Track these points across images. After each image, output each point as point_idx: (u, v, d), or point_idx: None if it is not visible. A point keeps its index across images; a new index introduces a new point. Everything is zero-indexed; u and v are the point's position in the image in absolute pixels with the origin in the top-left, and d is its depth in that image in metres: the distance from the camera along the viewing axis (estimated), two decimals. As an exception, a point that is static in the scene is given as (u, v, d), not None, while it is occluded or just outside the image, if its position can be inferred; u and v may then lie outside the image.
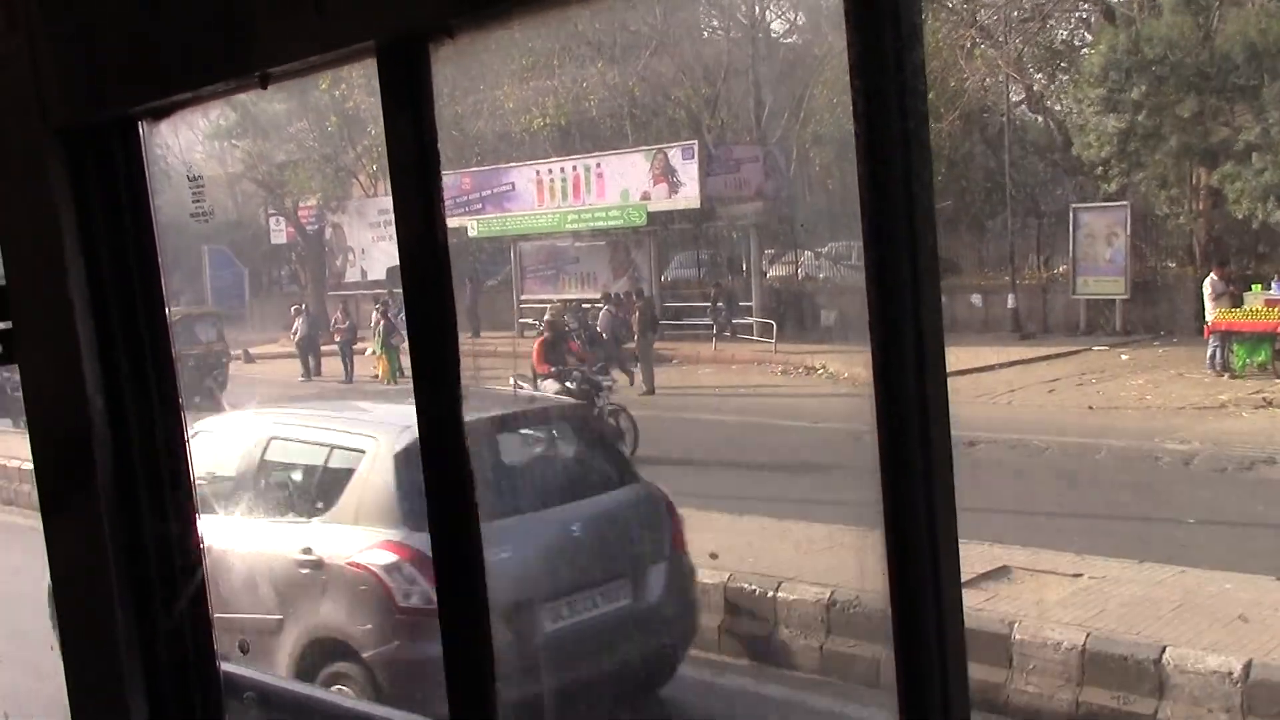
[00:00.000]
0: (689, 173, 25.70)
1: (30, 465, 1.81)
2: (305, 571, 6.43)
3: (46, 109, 1.57)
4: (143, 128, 1.58)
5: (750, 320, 25.67)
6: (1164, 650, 6.41)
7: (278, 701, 1.66)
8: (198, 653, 1.70)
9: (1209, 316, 19.09)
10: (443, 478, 1.29)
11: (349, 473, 6.68)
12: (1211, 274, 19.99)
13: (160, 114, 1.55)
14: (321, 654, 6.34)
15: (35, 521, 1.84)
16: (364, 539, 6.31)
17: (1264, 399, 15.85)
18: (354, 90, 28.27)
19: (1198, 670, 6.27)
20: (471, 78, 25.43)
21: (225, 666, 1.72)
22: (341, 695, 5.71)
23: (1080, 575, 7.85)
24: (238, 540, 6.48)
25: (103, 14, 1.50)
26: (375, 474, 6.53)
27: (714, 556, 8.04)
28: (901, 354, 0.87)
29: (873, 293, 0.86)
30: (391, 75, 1.20)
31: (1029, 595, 7.55)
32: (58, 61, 1.55)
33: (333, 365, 25.10)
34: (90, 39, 1.52)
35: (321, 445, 7.03)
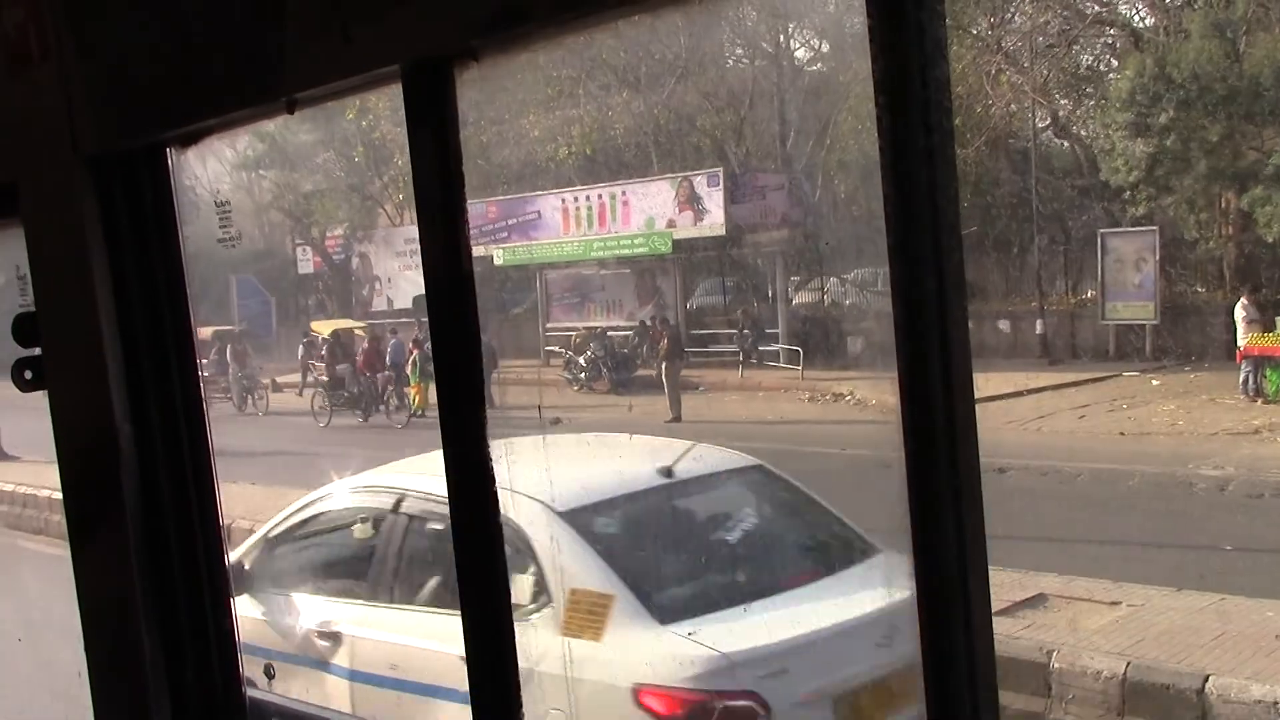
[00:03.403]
0: (714, 200, 25.76)
1: (59, 494, 1.82)
2: None
3: (76, 137, 1.58)
4: (171, 155, 1.60)
5: (777, 347, 25.62)
6: (1207, 679, 6.30)
7: (303, 729, 1.65)
8: (224, 680, 1.69)
9: (1240, 342, 18.90)
10: (469, 502, 1.28)
11: None
12: (1243, 299, 19.81)
13: (188, 141, 1.56)
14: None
15: (63, 550, 1.84)
16: None
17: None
18: (380, 120, 28.57)
19: (1241, 700, 6.15)
20: (498, 106, 25.65)
21: (251, 693, 1.71)
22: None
23: (1118, 603, 7.72)
24: None
25: (133, 42, 1.52)
26: None
27: None
28: (928, 370, 0.86)
29: (899, 309, 0.86)
30: (416, 98, 1.21)
31: (1066, 623, 7.44)
32: (88, 90, 1.57)
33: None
34: (120, 67, 1.54)
35: None
